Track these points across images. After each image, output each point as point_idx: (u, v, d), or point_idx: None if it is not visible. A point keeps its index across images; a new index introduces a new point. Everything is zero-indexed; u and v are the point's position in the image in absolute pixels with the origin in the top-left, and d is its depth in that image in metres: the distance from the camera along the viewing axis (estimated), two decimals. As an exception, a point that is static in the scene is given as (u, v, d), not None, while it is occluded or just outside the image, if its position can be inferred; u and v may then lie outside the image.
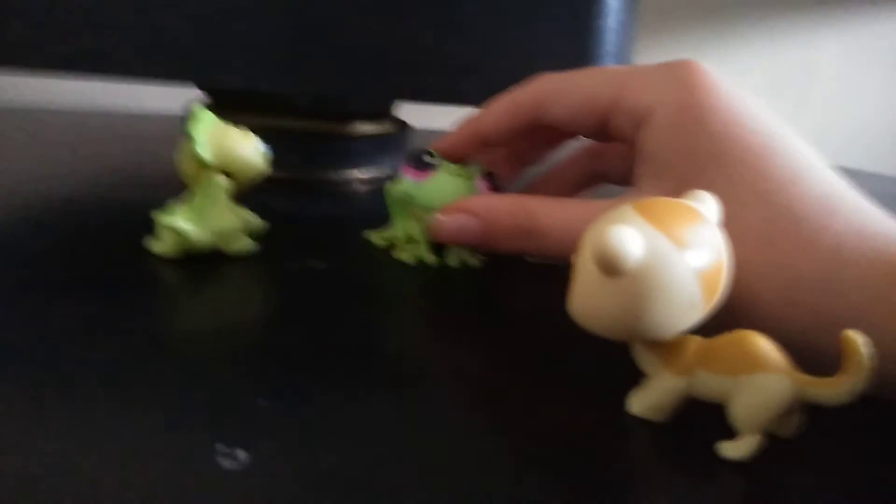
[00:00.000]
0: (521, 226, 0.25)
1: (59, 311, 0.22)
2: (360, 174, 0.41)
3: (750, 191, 0.21)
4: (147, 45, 0.33)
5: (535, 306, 0.27)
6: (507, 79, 0.32)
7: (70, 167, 0.40)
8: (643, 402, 0.19)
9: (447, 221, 0.27)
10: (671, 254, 0.16)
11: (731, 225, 0.19)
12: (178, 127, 0.43)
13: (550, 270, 0.29)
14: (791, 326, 0.20)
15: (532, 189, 0.32)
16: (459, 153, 0.29)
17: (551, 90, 0.27)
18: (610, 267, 0.16)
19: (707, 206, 0.18)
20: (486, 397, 0.20)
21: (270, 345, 0.22)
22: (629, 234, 0.16)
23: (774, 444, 0.18)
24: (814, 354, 0.18)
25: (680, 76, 0.24)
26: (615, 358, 0.20)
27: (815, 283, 0.20)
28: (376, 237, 0.32)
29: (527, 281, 0.29)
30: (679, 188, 0.21)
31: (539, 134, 0.30)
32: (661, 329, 0.17)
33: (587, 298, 0.17)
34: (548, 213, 0.25)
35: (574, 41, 0.34)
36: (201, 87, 0.41)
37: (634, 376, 0.19)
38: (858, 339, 0.16)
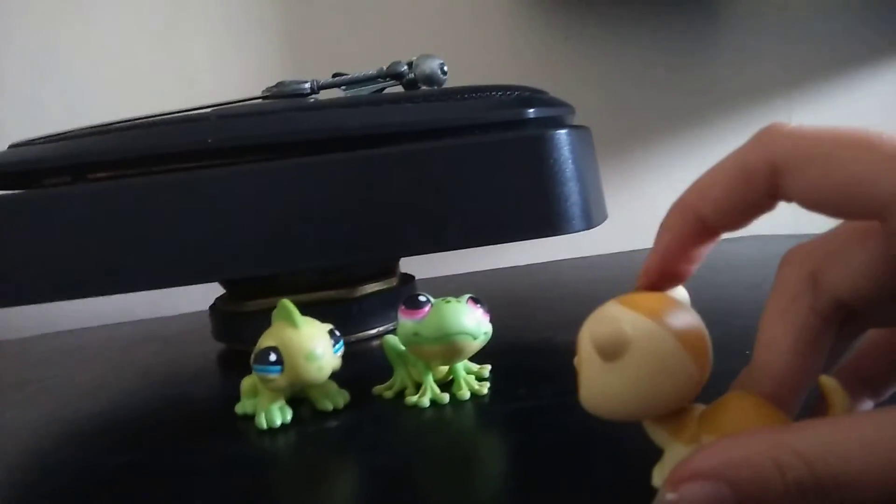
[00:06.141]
0: (800, 482, 0.16)
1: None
2: (373, 331, 0.44)
3: None
4: (167, 256, 0.37)
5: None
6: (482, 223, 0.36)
7: (116, 378, 0.43)
8: (663, 474, 0.20)
9: (678, 499, 0.17)
10: (656, 330, 0.18)
11: None
12: (203, 321, 0.47)
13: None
14: None
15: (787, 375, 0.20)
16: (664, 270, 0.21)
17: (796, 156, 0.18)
18: (610, 350, 0.18)
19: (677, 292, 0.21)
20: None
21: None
22: (618, 318, 0.18)
23: None
24: None
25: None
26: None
27: None
28: (383, 390, 0.33)
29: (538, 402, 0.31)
30: None
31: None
32: (665, 401, 0.19)
33: (594, 387, 0.19)
34: (835, 450, 0.16)
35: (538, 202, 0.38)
36: (222, 282, 0.45)
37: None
38: (832, 383, 0.19)
